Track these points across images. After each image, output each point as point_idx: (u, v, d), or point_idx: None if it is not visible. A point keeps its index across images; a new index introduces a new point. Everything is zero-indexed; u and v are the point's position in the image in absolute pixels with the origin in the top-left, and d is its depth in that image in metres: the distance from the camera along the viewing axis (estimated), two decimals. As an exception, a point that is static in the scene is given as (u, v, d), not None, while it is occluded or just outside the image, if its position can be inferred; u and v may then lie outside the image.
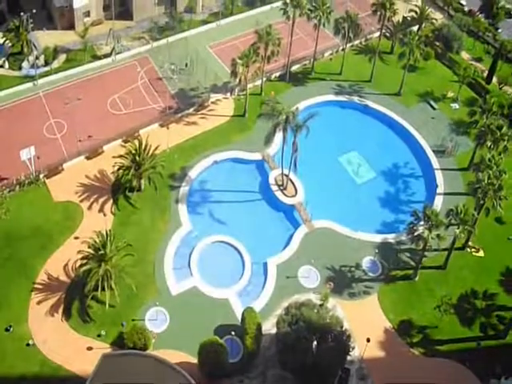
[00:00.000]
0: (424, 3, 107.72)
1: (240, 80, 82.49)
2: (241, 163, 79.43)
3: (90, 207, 71.13)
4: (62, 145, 77.45)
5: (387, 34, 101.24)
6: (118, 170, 72.38)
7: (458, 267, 70.53)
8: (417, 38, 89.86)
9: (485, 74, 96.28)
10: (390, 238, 72.77)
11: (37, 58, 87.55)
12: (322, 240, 71.26)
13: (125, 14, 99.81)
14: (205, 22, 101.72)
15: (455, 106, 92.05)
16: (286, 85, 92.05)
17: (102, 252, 61.09)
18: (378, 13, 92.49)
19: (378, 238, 72.47)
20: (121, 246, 63.62)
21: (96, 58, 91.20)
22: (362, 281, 68.23)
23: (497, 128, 76.17)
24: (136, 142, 74.26)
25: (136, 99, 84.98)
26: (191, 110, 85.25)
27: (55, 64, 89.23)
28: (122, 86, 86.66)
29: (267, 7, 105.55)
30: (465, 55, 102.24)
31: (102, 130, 79.19)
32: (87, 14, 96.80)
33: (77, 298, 62.62)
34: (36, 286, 63.54)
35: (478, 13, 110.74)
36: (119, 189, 72.79)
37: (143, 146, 72.95)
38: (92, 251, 61.90)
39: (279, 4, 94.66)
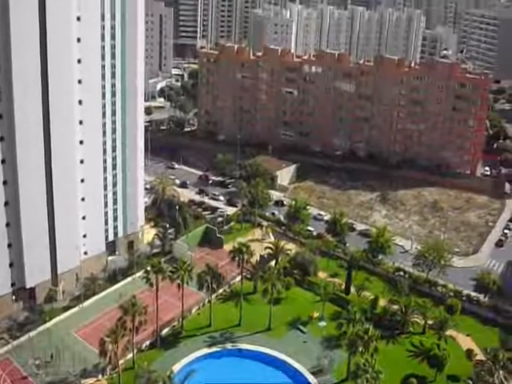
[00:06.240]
0: (277, 238, 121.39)
1: (110, 358, 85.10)
2: None
3: None
4: None
5: (248, 276, 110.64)
6: None
7: None
8: (276, 271, 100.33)
9: (343, 287, 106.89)
10: None
11: None
12: None
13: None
14: (67, 308, 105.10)
15: (322, 323, 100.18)
16: (158, 351, 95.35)
17: None
18: (237, 258, 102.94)
19: None
20: None
21: None
22: None
23: (364, 332, 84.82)
24: None
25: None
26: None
27: None
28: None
29: (129, 279, 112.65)
30: (322, 274, 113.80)
31: None
32: None
33: None
34: None
35: (325, 234, 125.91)
36: None
37: None
38: None
39: (141, 274, 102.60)
